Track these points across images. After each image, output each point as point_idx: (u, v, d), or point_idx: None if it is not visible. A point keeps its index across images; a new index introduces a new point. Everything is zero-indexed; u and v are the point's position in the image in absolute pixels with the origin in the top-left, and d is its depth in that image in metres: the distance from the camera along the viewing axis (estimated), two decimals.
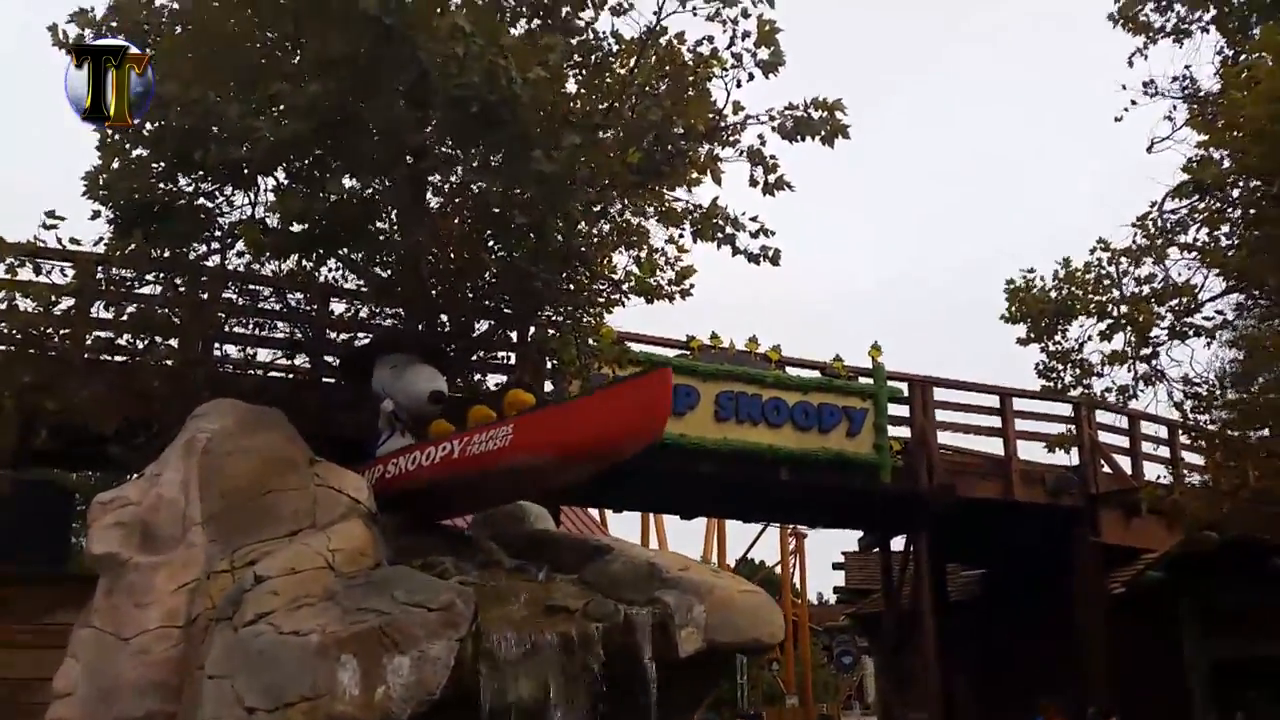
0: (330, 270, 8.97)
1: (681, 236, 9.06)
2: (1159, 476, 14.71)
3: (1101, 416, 14.34)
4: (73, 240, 7.60)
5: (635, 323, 9.24)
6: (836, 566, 19.92)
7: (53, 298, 7.64)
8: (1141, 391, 11.51)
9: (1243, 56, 10.69)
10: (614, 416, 6.28)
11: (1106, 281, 11.19)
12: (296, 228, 7.65)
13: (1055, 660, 13.92)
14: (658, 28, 8.11)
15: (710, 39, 8.29)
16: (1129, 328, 10.97)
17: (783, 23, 7.97)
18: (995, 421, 14.04)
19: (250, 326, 9.30)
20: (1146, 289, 11.04)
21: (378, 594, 5.13)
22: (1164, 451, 15.20)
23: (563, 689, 5.41)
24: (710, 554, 25.31)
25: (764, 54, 7.98)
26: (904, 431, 13.45)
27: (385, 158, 7.27)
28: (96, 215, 7.57)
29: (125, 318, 8.05)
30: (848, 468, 12.82)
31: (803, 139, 8.19)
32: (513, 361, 10.03)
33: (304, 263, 8.60)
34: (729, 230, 8.52)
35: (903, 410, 13.52)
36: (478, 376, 9.77)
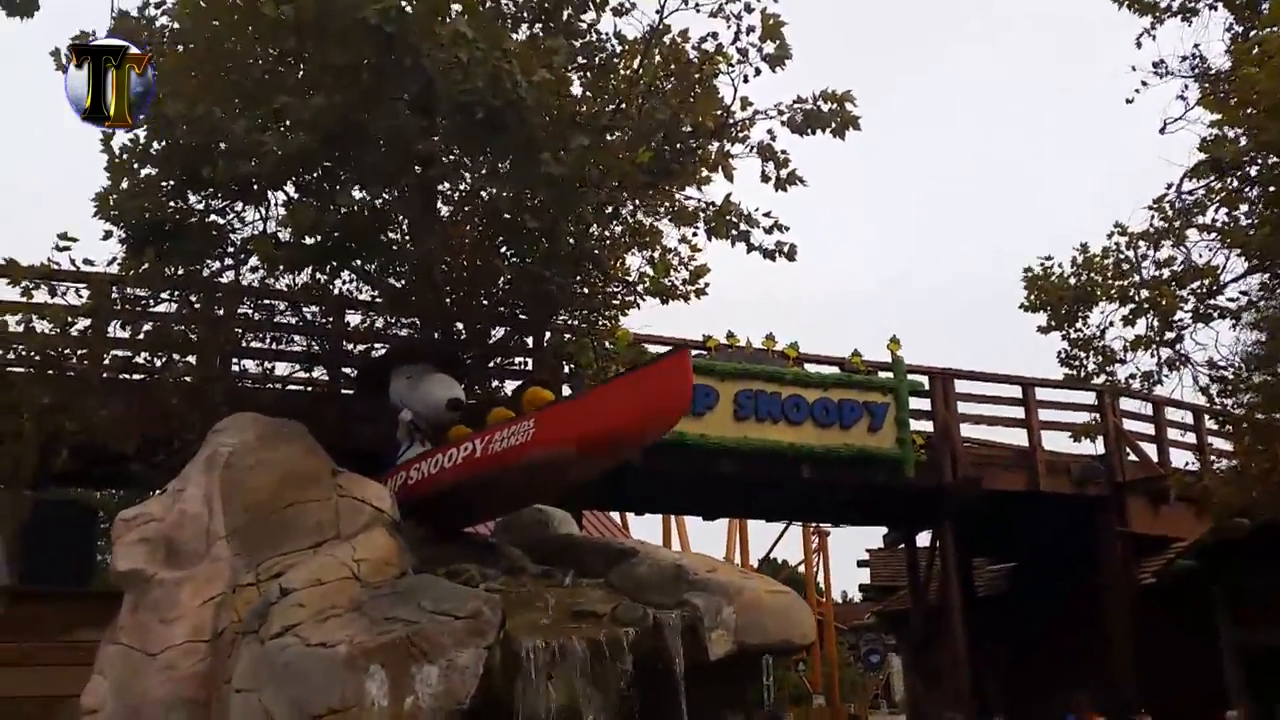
0: (345, 282, 8.98)
1: (695, 235, 9.03)
2: (1186, 463, 14.53)
3: (1126, 404, 14.18)
4: (86, 261, 7.64)
5: (647, 323, 9.18)
6: (861, 564, 19.81)
7: (69, 319, 7.66)
8: (1166, 377, 11.36)
9: (1253, 32, 10.54)
10: (635, 403, 6.19)
11: (1126, 266, 11.05)
12: (309, 240, 7.64)
13: (1085, 653, 13.76)
14: (661, 26, 8.09)
15: (715, 35, 8.26)
16: (1151, 312, 10.82)
17: (786, 18, 7.95)
18: (1018, 412, 13.89)
19: (267, 341, 9.31)
20: (1167, 272, 10.90)
21: (404, 603, 5.08)
22: (1190, 437, 15.03)
23: (593, 695, 5.34)
24: (733, 554, 25.19)
25: (770, 48, 7.94)
26: (926, 425, 13.32)
27: (393, 167, 7.26)
28: (109, 235, 7.60)
29: (142, 336, 8.07)
30: (870, 463, 12.70)
31: (813, 132, 8.15)
32: (529, 367, 10.01)
33: (318, 276, 8.61)
34: (743, 227, 8.46)
35: (924, 404, 13.40)
36: (495, 383, 9.75)
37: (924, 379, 13.43)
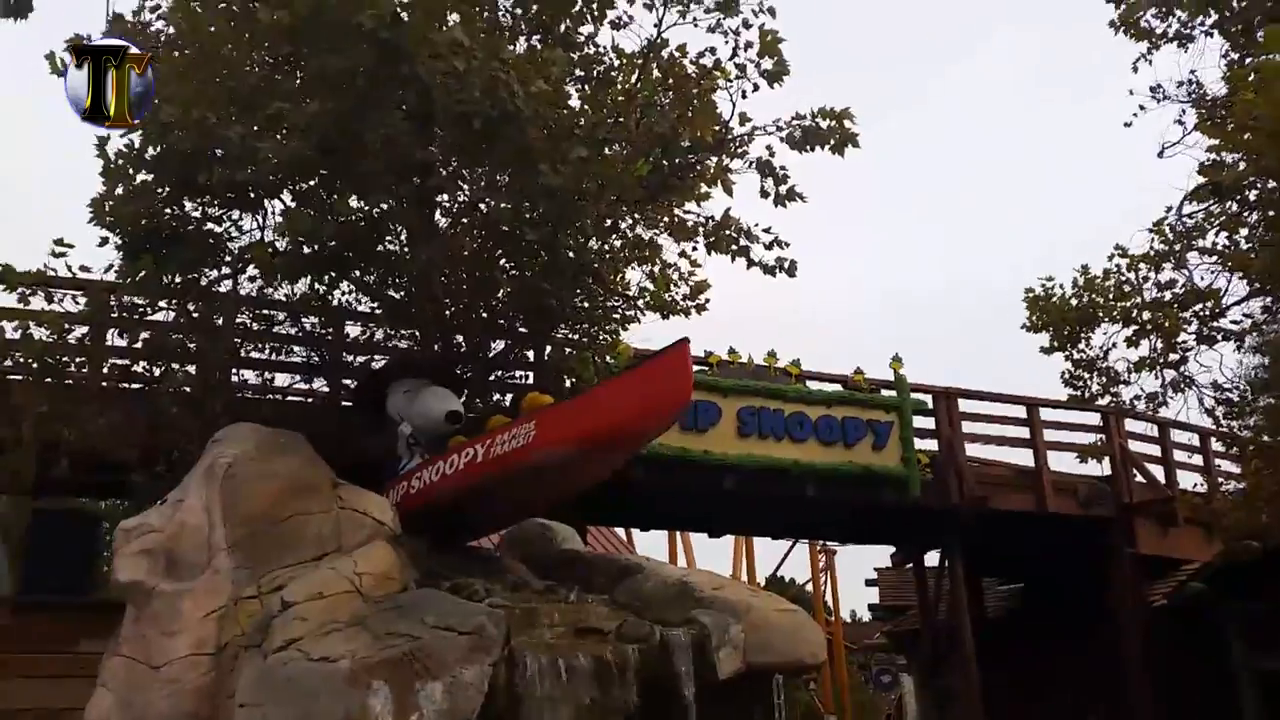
0: (344, 293, 8.91)
1: (694, 250, 8.99)
2: (1194, 485, 14.43)
3: (1131, 425, 14.10)
4: (83, 268, 7.56)
5: (647, 338, 9.13)
6: (869, 583, 19.62)
7: (66, 326, 7.58)
8: (1171, 399, 11.34)
9: (1249, 59, 10.55)
10: (636, 397, 6.11)
11: (1127, 288, 11.04)
12: (306, 249, 7.56)
13: (1097, 675, 13.62)
14: (659, 40, 8.06)
15: (713, 50, 8.25)
16: (1154, 333, 10.80)
17: (788, 34, 7.93)
18: (1023, 432, 13.80)
19: (266, 351, 9.23)
20: (1168, 295, 10.88)
21: (407, 618, 4.97)
22: (1197, 459, 14.96)
23: (598, 713, 5.23)
24: (739, 572, 25.00)
25: (768, 64, 7.95)
26: (930, 444, 13.23)
27: (391, 176, 7.19)
28: (105, 242, 7.50)
29: (139, 345, 7.98)
30: (875, 482, 12.60)
31: (812, 148, 8.13)
32: (530, 381, 9.93)
33: (317, 286, 8.53)
34: (743, 242, 8.42)
35: (928, 422, 13.32)
36: (496, 397, 9.67)
37: (927, 398, 13.36)
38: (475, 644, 4.82)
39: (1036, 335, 11.55)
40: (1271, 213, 9.73)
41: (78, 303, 7.84)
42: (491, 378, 9.36)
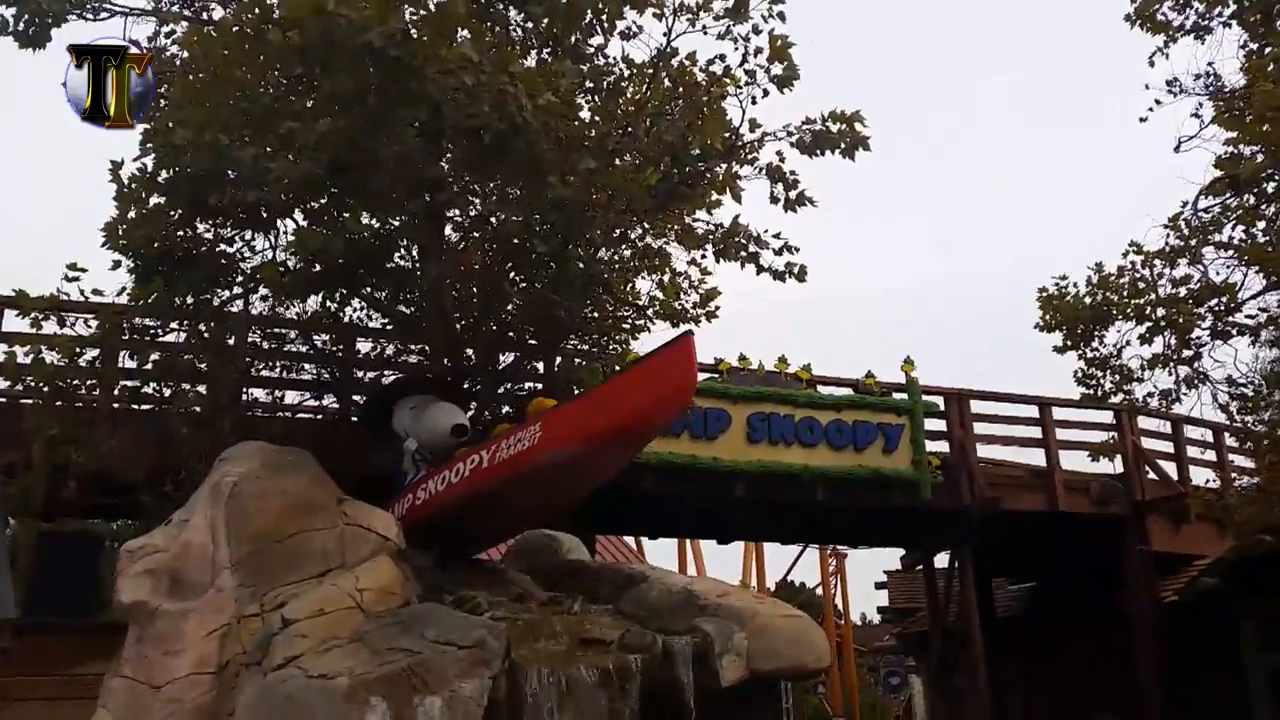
0: (355, 310, 8.98)
1: (704, 258, 9.00)
2: (1206, 481, 14.33)
3: (1144, 423, 14.01)
4: (95, 291, 7.65)
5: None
6: (879, 586, 19.62)
7: (77, 349, 7.66)
8: (1184, 395, 11.23)
9: (1268, 49, 10.46)
10: (640, 392, 6.11)
11: (1142, 285, 10.95)
12: (317, 266, 7.63)
13: (1108, 673, 13.55)
14: (668, 49, 8.08)
15: (723, 57, 8.25)
16: (1168, 330, 10.71)
17: (798, 39, 7.93)
18: (1035, 432, 13.74)
19: (277, 369, 9.31)
20: (1183, 290, 10.79)
21: (407, 633, 5.01)
22: (1210, 455, 14.84)
23: None
24: (749, 578, 25.02)
25: (778, 69, 7.93)
26: (942, 446, 13.20)
27: (402, 193, 7.26)
28: (117, 265, 7.61)
29: (150, 366, 8.06)
30: (886, 485, 12.58)
31: (822, 153, 8.11)
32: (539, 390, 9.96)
33: (328, 303, 8.61)
34: (752, 249, 8.42)
35: (939, 424, 13.28)
36: (506, 409, 9.72)
37: (939, 399, 13.32)
38: (475, 658, 4.85)
39: (1050, 335, 11.49)
40: None
41: (89, 326, 7.94)
42: (501, 390, 9.41)
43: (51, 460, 7.36)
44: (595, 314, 9.01)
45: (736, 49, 8.13)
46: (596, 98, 8.38)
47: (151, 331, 8.10)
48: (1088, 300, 11.15)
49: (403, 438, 7.39)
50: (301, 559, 6.01)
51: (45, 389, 7.58)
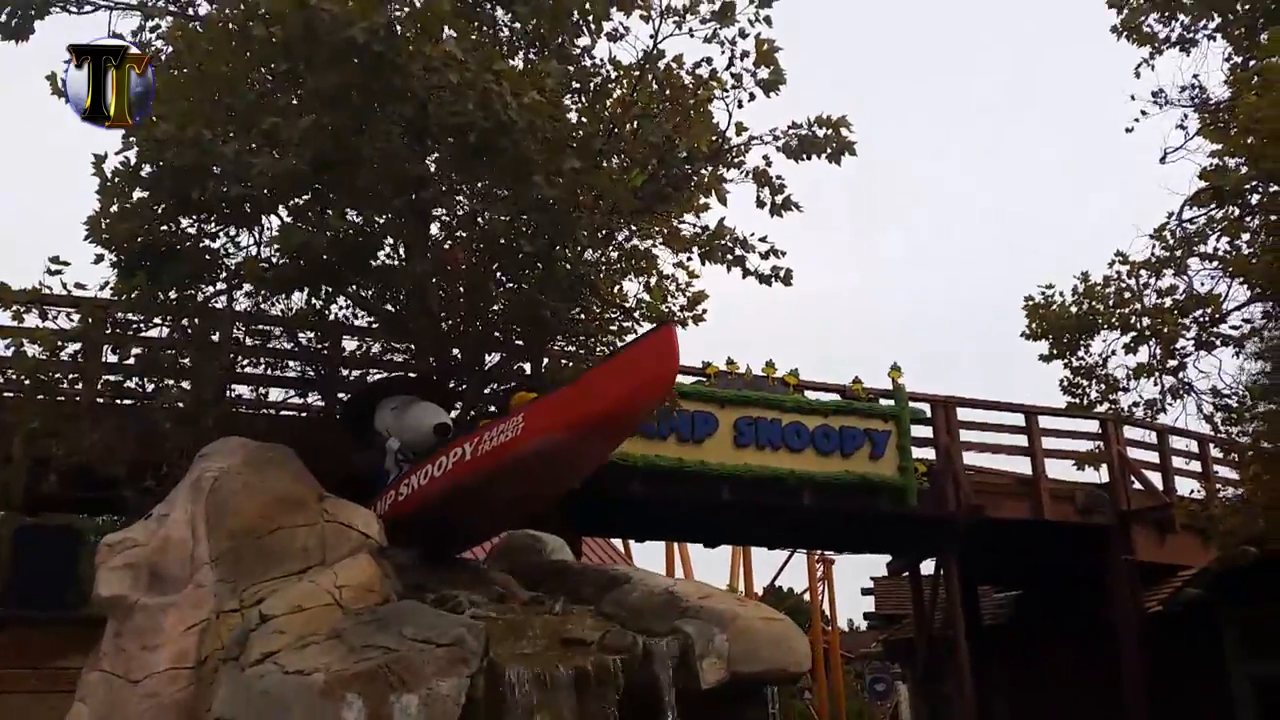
0: (340, 308, 8.95)
1: (690, 260, 9.00)
2: (1191, 491, 14.40)
3: (1130, 432, 14.07)
4: (78, 285, 7.61)
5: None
6: (865, 592, 19.62)
7: (59, 343, 7.63)
8: (1170, 405, 11.29)
9: (1251, 62, 10.54)
10: (622, 380, 6.09)
11: (1127, 295, 11.01)
12: (300, 263, 7.60)
13: (1094, 681, 13.59)
14: (655, 51, 8.08)
15: (709, 60, 8.25)
16: (1153, 339, 10.76)
17: (784, 43, 7.94)
18: (1021, 440, 13.80)
19: (262, 366, 9.28)
20: (1169, 301, 10.85)
21: (385, 631, 4.99)
22: (1195, 466, 14.92)
23: None
24: (736, 582, 24.97)
25: (764, 73, 7.94)
26: (928, 453, 13.23)
27: (386, 190, 7.24)
28: (100, 259, 7.56)
29: (132, 361, 8.02)
30: (873, 491, 12.62)
31: (808, 157, 8.12)
32: None
33: (313, 300, 8.58)
34: (738, 252, 8.42)
35: (926, 431, 13.32)
36: (492, 409, 9.70)
37: (925, 406, 13.36)
38: (453, 656, 4.84)
39: (1035, 343, 11.53)
40: (1273, 216, 9.70)
41: (72, 320, 7.90)
42: (487, 390, 9.39)
43: (32, 454, 7.31)
44: (582, 315, 8.99)
45: (723, 52, 8.13)
46: (583, 98, 8.38)
47: (134, 326, 8.05)
48: (1074, 309, 11.20)
49: (385, 437, 7.36)
50: (282, 555, 5.99)
51: (26, 382, 7.54)
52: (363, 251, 7.72)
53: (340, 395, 9.38)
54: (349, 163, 7.00)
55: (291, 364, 9.36)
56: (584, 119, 8.04)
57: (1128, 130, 12.05)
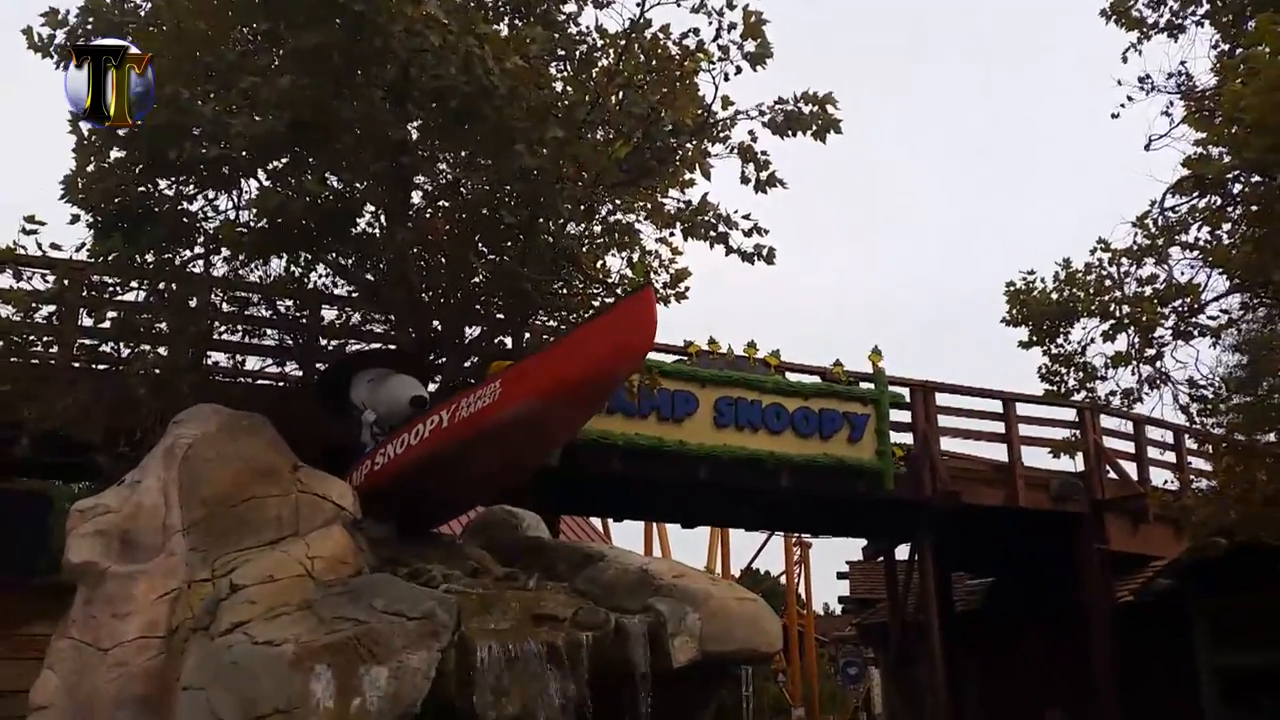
0: (320, 276, 8.87)
1: (673, 236, 8.95)
2: (1165, 482, 14.52)
3: (1106, 421, 14.16)
4: (54, 246, 7.50)
5: None
6: (841, 576, 19.72)
7: (33, 305, 7.52)
8: (1146, 395, 11.33)
9: (1238, 50, 10.55)
10: (601, 342, 6.00)
11: (1108, 282, 11.03)
12: (278, 227, 7.50)
13: (1064, 669, 13.71)
14: (642, 20, 7.98)
15: (696, 31, 8.17)
16: (1131, 328, 10.80)
17: (771, 19, 7.86)
18: (999, 427, 13.86)
19: (239, 334, 9.19)
20: (1149, 290, 10.88)
21: (356, 603, 4.96)
22: (1170, 456, 15.03)
23: (551, 700, 5.22)
24: (714, 564, 25.08)
25: (751, 46, 7.86)
26: (906, 437, 13.27)
27: (367, 155, 7.15)
28: (76, 219, 7.45)
29: (108, 324, 7.92)
30: (850, 474, 12.66)
31: (794, 134, 8.07)
32: None
33: (292, 268, 8.49)
34: (721, 229, 8.38)
35: (904, 416, 13.36)
36: (471, 382, 9.65)
37: (905, 391, 13.39)
38: (424, 629, 4.81)
39: (1015, 330, 11.56)
40: (1254, 207, 9.72)
41: (46, 281, 7.78)
42: (467, 364, 9.34)
43: (4, 417, 7.21)
44: (564, 289, 8.93)
45: (710, 23, 8.05)
46: (568, 66, 8.29)
47: (110, 289, 7.95)
48: (1054, 296, 11.22)
49: (360, 410, 7.30)
50: (255, 525, 5.94)
51: None
52: (342, 218, 7.63)
53: (318, 365, 9.31)
54: (328, 125, 6.90)
55: (269, 332, 9.27)
56: (568, 88, 7.96)
57: (1114, 116, 12.05)
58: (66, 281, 7.68)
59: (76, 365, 8.09)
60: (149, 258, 7.72)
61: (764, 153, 8.22)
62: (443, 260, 8.61)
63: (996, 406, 13.89)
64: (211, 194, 7.87)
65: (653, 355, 11.80)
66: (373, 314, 9.14)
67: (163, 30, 7.18)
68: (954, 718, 13.20)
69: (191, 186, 7.72)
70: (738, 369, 12.52)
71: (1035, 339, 11.33)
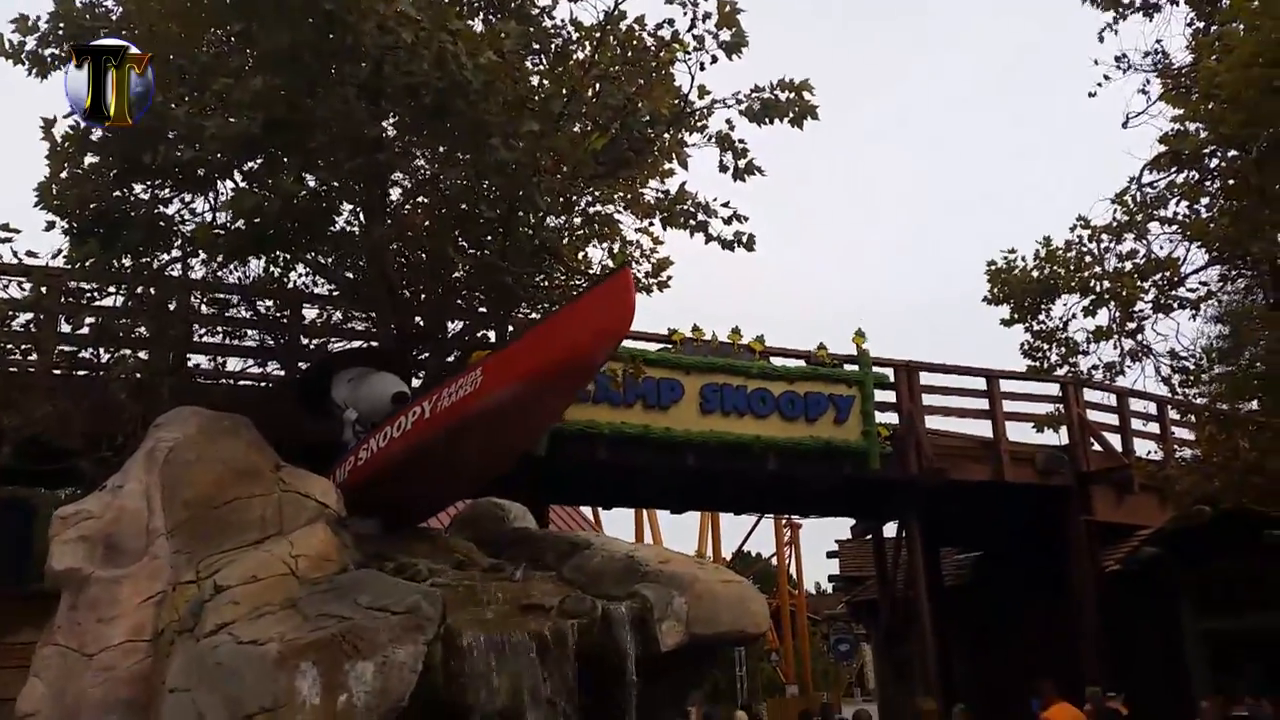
0: (300, 276, 8.85)
1: (652, 226, 8.96)
2: (1149, 452, 14.65)
3: (1089, 395, 14.26)
4: (29, 253, 7.47)
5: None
6: (831, 555, 19.84)
7: (10, 312, 7.49)
8: (1128, 368, 11.44)
9: (1213, 28, 10.60)
10: (580, 324, 5.97)
11: (1088, 258, 11.10)
12: (253, 228, 7.48)
13: (1052, 639, 13.84)
14: (616, 12, 7.97)
15: (671, 22, 8.16)
16: (1112, 302, 10.88)
17: (746, 10, 7.84)
18: (983, 404, 13.95)
19: (220, 335, 9.17)
20: (1129, 265, 10.96)
21: (340, 600, 4.97)
22: (1153, 427, 15.15)
23: (539, 689, 5.24)
24: (705, 548, 25.23)
25: (726, 35, 7.84)
26: (891, 417, 13.34)
27: (342, 153, 7.12)
28: (51, 226, 7.41)
29: (86, 330, 7.90)
30: (836, 455, 12.72)
31: (771, 121, 8.06)
32: None
33: (271, 268, 8.47)
34: (700, 217, 8.38)
35: (889, 396, 13.42)
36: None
37: (889, 371, 13.45)
38: (409, 623, 4.82)
39: (997, 308, 11.61)
40: (1231, 181, 9.79)
41: (23, 289, 7.75)
42: (450, 358, 9.33)
43: None
44: (545, 282, 8.94)
45: (685, 13, 8.03)
46: (543, 60, 8.27)
47: (88, 295, 7.93)
48: (1035, 274, 11.29)
49: (342, 409, 7.29)
50: (238, 526, 5.93)
51: None
52: (319, 216, 7.61)
53: (300, 364, 9.30)
54: (302, 125, 6.88)
55: (250, 333, 9.25)
56: (544, 81, 7.93)
57: (1091, 95, 12.12)
58: (44, 288, 7.65)
59: (56, 372, 8.07)
60: (126, 262, 7.69)
61: (741, 140, 8.21)
62: (423, 255, 8.60)
63: (980, 384, 13.98)
64: (187, 197, 7.84)
65: (637, 344, 11.84)
66: (354, 311, 9.13)
67: (135, 34, 7.13)
68: (945, 690, 13.32)
69: (167, 190, 7.69)
70: (722, 355, 12.55)
71: (1017, 316, 11.42)
